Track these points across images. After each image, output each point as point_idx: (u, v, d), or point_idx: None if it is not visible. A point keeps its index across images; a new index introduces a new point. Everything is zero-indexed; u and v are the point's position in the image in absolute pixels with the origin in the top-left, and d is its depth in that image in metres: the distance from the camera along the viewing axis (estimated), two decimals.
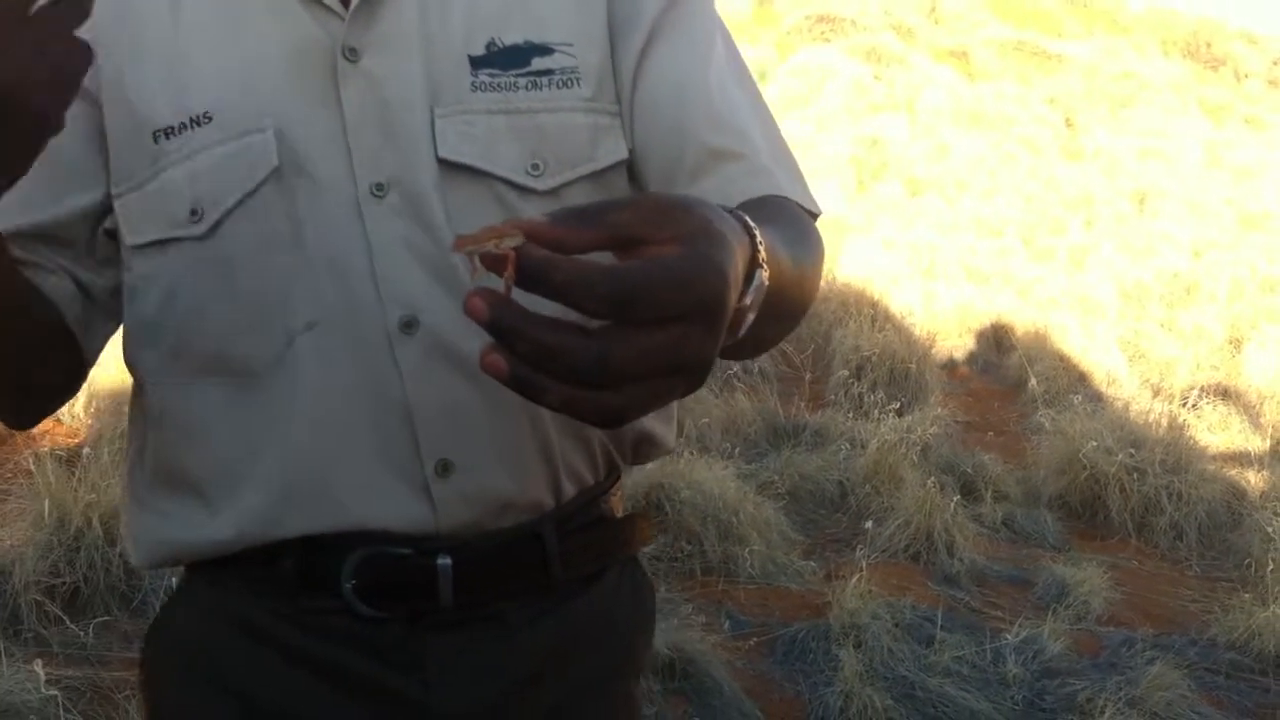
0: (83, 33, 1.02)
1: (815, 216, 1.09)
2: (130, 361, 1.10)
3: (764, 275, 0.73)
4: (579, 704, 1.14)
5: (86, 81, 1.05)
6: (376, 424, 1.03)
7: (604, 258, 0.64)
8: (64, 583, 3.43)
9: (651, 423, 1.16)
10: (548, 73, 1.05)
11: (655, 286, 0.62)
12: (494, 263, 0.63)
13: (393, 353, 1.02)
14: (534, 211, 0.97)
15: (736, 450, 5.61)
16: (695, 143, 1.07)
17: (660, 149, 1.08)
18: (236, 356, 1.04)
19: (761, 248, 0.73)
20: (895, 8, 16.62)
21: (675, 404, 1.22)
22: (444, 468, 1.04)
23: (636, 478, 4.70)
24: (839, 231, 9.63)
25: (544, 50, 1.05)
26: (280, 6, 1.04)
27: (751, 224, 0.74)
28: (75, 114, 1.07)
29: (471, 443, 1.04)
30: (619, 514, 1.19)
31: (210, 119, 1.02)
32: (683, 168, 1.08)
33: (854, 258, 9.08)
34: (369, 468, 1.03)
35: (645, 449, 1.18)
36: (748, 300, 0.71)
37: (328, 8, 1.03)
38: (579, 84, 1.06)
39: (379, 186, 1.02)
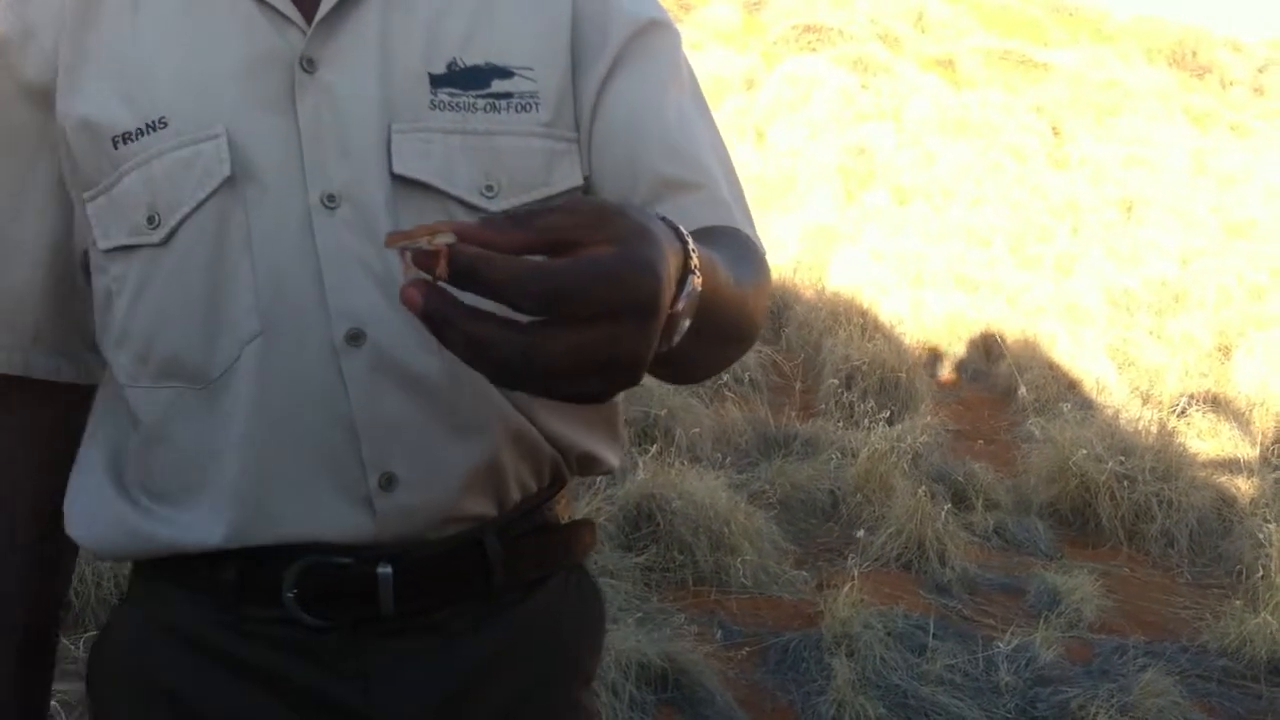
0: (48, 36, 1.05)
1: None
2: (108, 361, 1.12)
3: (696, 281, 0.73)
4: (523, 711, 1.14)
5: (43, 81, 1.07)
6: (320, 436, 1.03)
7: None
8: None
9: (595, 445, 1.17)
10: (506, 96, 1.06)
11: (587, 283, 0.63)
12: (426, 259, 0.65)
13: (338, 365, 1.02)
14: None
15: (728, 460, 5.61)
16: (650, 171, 1.09)
17: (615, 176, 1.09)
18: (190, 363, 1.04)
19: (694, 254, 0.74)
20: (882, 17, 16.65)
21: (622, 426, 1.23)
22: (387, 481, 1.04)
23: (628, 488, 4.70)
24: (828, 240, 9.65)
25: (504, 73, 1.06)
26: (241, 15, 1.04)
27: (683, 231, 0.74)
28: (36, 122, 1.09)
29: (416, 457, 1.04)
30: (564, 520, 1.19)
31: (166, 124, 1.03)
32: (636, 196, 1.09)
33: (843, 267, 9.09)
34: (312, 481, 1.04)
35: (589, 464, 1.19)
36: (680, 305, 0.72)
37: (288, 19, 1.04)
38: (537, 108, 1.07)
39: (330, 198, 1.02)
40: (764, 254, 1.08)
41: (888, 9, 17.22)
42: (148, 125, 1.03)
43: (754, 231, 1.11)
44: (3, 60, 1.09)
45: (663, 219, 0.73)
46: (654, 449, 5.20)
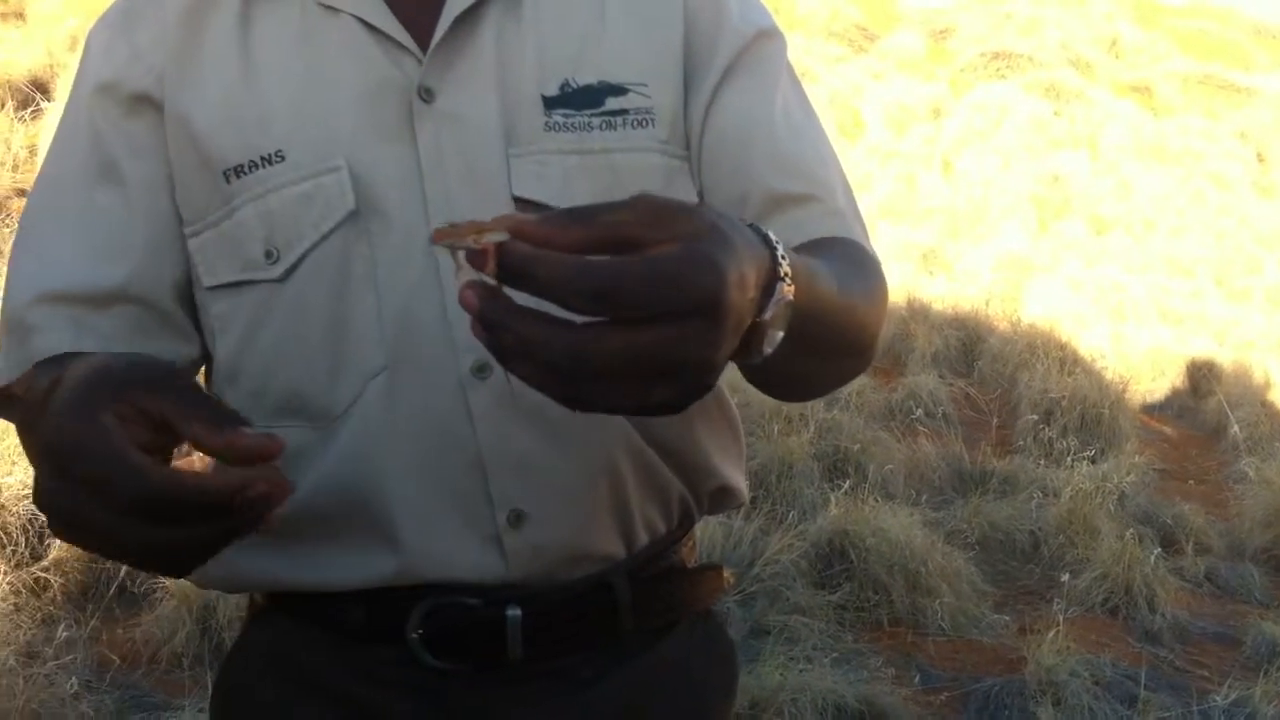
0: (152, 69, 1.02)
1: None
2: (218, 397, 1.09)
3: (786, 289, 0.70)
4: None
5: (157, 94, 1.04)
6: (448, 472, 1.01)
7: None
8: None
9: (730, 472, 1.14)
10: (622, 112, 1.03)
11: (640, 282, 0.60)
12: (475, 258, 0.63)
13: (465, 398, 1.00)
14: None
15: (922, 497, 5.47)
16: (761, 187, 1.05)
17: (725, 193, 1.06)
18: (312, 401, 1.02)
19: (784, 262, 0.70)
20: (1073, 42, 16.25)
21: (742, 449, 1.19)
22: (516, 518, 1.01)
23: (819, 524, 4.63)
24: (1022, 271, 9.41)
25: (618, 90, 1.04)
26: (354, 46, 1.03)
27: (773, 237, 0.71)
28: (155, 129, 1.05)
29: (545, 493, 1.02)
30: (691, 564, 1.16)
31: (283, 158, 1.01)
32: (747, 211, 1.05)
33: (1038, 298, 8.84)
34: (441, 517, 1.01)
35: (721, 499, 1.15)
36: (767, 314, 0.69)
37: (403, 47, 1.02)
38: (654, 124, 1.04)
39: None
40: (879, 263, 1.05)
41: (1079, 34, 16.79)
42: (263, 159, 1.01)
43: (868, 240, 1.08)
44: (117, 78, 1.06)
45: (751, 226, 0.70)
46: (846, 485, 5.11)
